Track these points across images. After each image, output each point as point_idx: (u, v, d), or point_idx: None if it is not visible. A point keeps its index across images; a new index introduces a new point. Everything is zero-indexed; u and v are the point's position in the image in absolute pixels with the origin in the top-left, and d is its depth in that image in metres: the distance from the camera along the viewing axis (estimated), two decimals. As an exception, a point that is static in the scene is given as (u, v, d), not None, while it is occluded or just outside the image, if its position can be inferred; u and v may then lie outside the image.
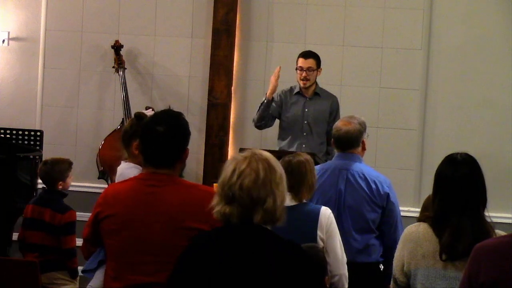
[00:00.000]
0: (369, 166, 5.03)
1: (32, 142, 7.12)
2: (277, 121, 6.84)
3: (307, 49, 6.84)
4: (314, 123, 6.70)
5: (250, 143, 7.25)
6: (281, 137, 6.80)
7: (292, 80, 6.78)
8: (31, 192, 6.53)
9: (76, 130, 7.69)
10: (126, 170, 4.33)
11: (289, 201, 4.28)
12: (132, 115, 4.56)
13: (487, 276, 2.74)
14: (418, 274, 3.46)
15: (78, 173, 6.14)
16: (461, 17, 7.21)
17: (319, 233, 4.25)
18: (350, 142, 4.91)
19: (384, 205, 4.86)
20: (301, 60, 6.66)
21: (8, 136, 7.11)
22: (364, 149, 4.99)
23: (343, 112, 6.50)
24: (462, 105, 7.20)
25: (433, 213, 3.50)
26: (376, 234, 4.88)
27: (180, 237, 3.22)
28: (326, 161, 6.10)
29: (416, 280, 3.46)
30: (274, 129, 6.91)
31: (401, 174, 7.14)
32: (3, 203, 6.43)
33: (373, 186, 4.85)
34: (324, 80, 6.91)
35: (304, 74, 6.63)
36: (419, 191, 7.15)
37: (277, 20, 7.44)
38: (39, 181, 6.10)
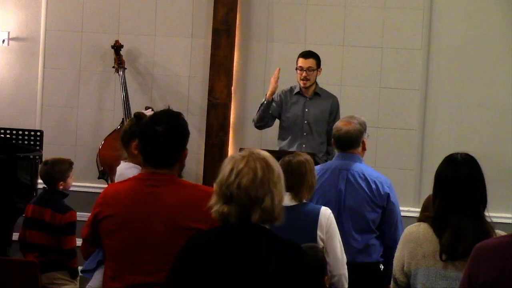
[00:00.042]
0: (369, 166, 5.03)
1: (32, 142, 7.12)
2: (277, 121, 6.84)
3: (307, 49, 6.84)
4: (314, 123, 6.70)
5: (250, 143, 7.25)
6: (281, 137, 6.80)
7: (292, 80, 6.78)
8: (31, 192, 6.53)
9: (76, 130, 7.69)
10: (126, 170, 4.33)
11: (289, 201, 4.29)
12: (132, 115, 4.56)
13: (487, 276, 2.74)
14: (418, 274, 3.46)
15: (78, 173, 6.14)
16: (461, 17, 7.21)
17: (319, 233, 4.25)
18: (350, 142, 4.91)
19: (384, 205, 4.86)
20: (301, 60, 6.66)
21: (8, 136, 7.11)
22: (364, 149, 4.99)
23: (343, 112, 6.50)
24: (462, 105, 7.20)
25: (433, 213, 3.50)
26: (376, 234, 4.88)
27: (179, 237, 3.22)
28: (326, 161, 6.10)
29: (416, 280, 3.46)
30: (274, 129, 6.91)
31: (401, 174, 7.14)
32: (3, 203, 6.43)
33: (373, 186, 4.85)
34: (324, 80, 6.91)
35: (304, 74, 6.63)
36: (419, 191, 7.15)
37: (277, 20, 7.44)
38: (40, 181, 6.10)
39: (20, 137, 7.13)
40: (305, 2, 7.38)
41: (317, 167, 4.82)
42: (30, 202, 5.92)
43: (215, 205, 2.89)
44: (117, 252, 3.44)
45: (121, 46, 7.42)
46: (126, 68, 7.40)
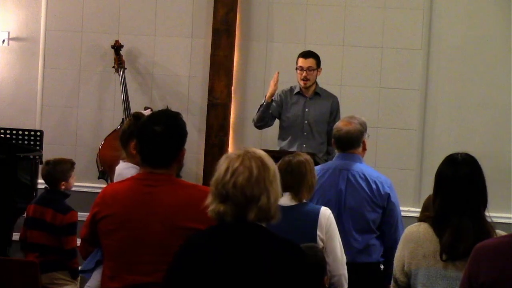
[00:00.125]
0: (369, 166, 5.03)
1: (32, 142, 7.12)
2: (277, 121, 6.84)
3: (307, 49, 6.84)
4: (315, 123, 6.70)
5: (250, 143, 7.25)
6: (281, 137, 6.81)
7: (292, 80, 6.78)
8: (31, 192, 6.53)
9: (76, 130, 7.69)
10: (124, 170, 4.33)
11: (288, 201, 4.29)
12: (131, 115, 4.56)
13: (487, 276, 2.75)
14: (418, 274, 3.46)
15: (78, 173, 6.14)
16: (461, 17, 7.21)
17: (318, 233, 4.25)
18: (351, 142, 4.91)
19: (384, 205, 4.86)
20: (301, 60, 6.66)
21: (8, 136, 7.11)
22: (364, 149, 4.99)
23: (343, 112, 6.50)
24: (462, 105, 7.20)
25: (433, 213, 3.50)
26: (377, 234, 4.88)
27: (177, 237, 3.21)
28: (326, 161, 6.10)
29: (416, 280, 3.46)
30: (274, 129, 6.91)
31: (401, 174, 7.14)
32: (3, 203, 6.43)
33: (374, 186, 4.85)
34: (324, 80, 6.91)
35: (304, 73, 6.63)
36: (419, 191, 7.15)
37: (277, 20, 7.44)
38: (41, 181, 6.10)
39: (20, 137, 7.13)
40: (305, 2, 7.38)
41: (317, 167, 4.82)
42: (31, 202, 5.93)
43: (211, 205, 2.89)
44: (116, 252, 3.44)
45: (121, 46, 7.42)
46: (126, 68, 7.40)
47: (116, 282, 3.42)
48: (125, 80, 7.32)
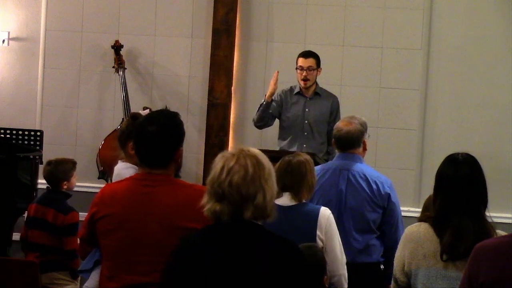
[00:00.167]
0: (369, 166, 5.03)
1: (32, 142, 7.12)
2: (277, 121, 6.84)
3: (307, 49, 6.84)
4: (315, 123, 6.70)
5: (250, 143, 7.24)
6: (281, 137, 6.81)
7: (292, 80, 6.78)
8: (31, 192, 6.53)
9: (76, 130, 7.69)
10: (123, 170, 4.34)
11: (288, 201, 4.30)
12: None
13: (487, 276, 2.74)
14: (419, 274, 3.46)
15: (78, 173, 6.14)
16: (461, 17, 7.21)
17: (318, 233, 4.25)
18: (351, 142, 4.92)
19: (385, 206, 4.86)
20: (301, 59, 6.66)
21: (8, 136, 7.11)
22: (365, 149, 4.99)
23: (343, 112, 6.51)
24: (462, 105, 7.20)
25: (434, 213, 3.50)
26: (377, 234, 4.88)
27: (175, 237, 3.20)
28: (327, 161, 6.11)
29: (417, 280, 3.46)
30: (274, 129, 6.91)
31: (401, 174, 7.14)
32: (3, 203, 6.43)
33: (374, 186, 4.85)
34: (324, 80, 6.91)
35: (304, 73, 6.63)
36: (419, 191, 7.14)
37: (277, 20, 7.44)
38: (41, 181, 6.11)
39: (20, 137, 7.12)
40: (305, 2, 7.38)
41: (317, 167, 4.82)
42: (32, 201, 5.94)
43: (207, 204, 2.89)
44: (114, 252, 3.44)
45: (121, 46, 7.41)
46: (126, 68, 7.40)
47: (114, 282, 3.42)
48: (125, 80, 7.32)
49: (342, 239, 4.37)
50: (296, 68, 6.68)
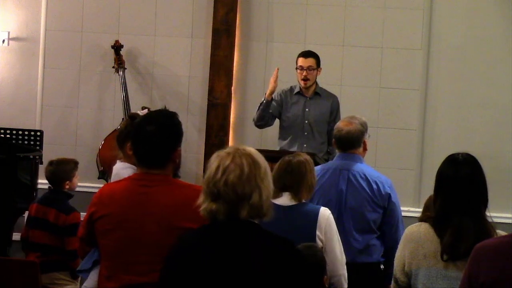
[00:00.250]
0: (370, 166, 5.03)
1: (32, 142, 7.12)
2: (277, 121, 6.83)
3: (307, 49, 6.84)
4: (315, 123, 6.70)
5: (250, 143, 7.24)
6: (282, 137, 6.80)
7: (292, 80, 6.78)
8: (31, 192, 6.53)
9: (76, 130, 7.69)
10: (121, 170, 4.34)
11: (288, 201, 4.29)
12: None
13: (487, 276, 2.75)
14: (419, 274, 3.46)
15: (78, 173, 6.14)
16: (461, 17, 7.21)
17: (318, 233, 4.25)
18: (351, 142, 4.91)
19: (385, 206, 4.86)
20: (301, 59, 6.66)
21: (8, 136, 7.11)
22: (365, 149, 4.99)
23: (343, 112, 6.50)
24: (462, 105, 7.20)
25: (434, 213, 3.50)
26: (377, 234, 4.88)
27: (174, 237, 3.19)
28: (327, 160, 6.11)
29: (417, 280, 3.46)
30: (274, 129, 6.91)
31: (401, 174, 7.14)
32: (3, 203, 6.43)
33: (374, 186, 4.85)
34: (324, 80, 6.91)
35: (304, 73, 6.63)
36: (419, 191, 7.15)
37: (277, 20, 7.44)
38: (42, 181, 6.10)
39: (20, 137, 7.12)
40: (305, 2, 7.38)
41: (317, 167, 4.82)
42: (34, 201, 5.94)
43: (203, 203, 2.88)
44: (113, 252, 3.45)
45: (121, 46, 7.42)
46: (126, 68, 7.40)
47: (112, 282, 3.43)
48: (125, 80, 7.32)
49: (342, 239, 4.37)
50: (296, 68, 6.68)
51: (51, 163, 5.87)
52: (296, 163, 4.37)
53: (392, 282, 3.59)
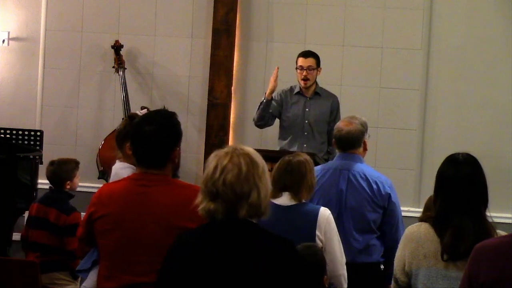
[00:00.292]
0: (370, 166, 5.03)
1: (32, 142, 7.12)
2: (277, 121, 6.83)
3: (307, 49, 6.84)
4: (315, 122, 6.70)
5: (250, 143, 7.24)
6: (282, 137, 6.80)
7: (292, 80, 6.78)
8: (31, 192, 6.53)
9: (76, 130, 7.69)
10: (121, 170, 4.34)
11: (288, 201, 4.29)
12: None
13: (487, 276, 2.75)
14: (419, 274, 3.46)
15: (78, 173, 6.15)
16: (461, 17, 7.21)
17: (317, 233, 4.25)
18: (352, 142, 4.91)
19: (385, 206, 4.86)
20: (301, 59, 6.66)
21: (8, 136, 7.11)
22: (365, 149, 4.99)
23: (343, 112, 6.51)
24: (462, 105, 7.20)
25: (435, 213, 3.50)
26: (377, 234, 4.88)
27: (173, 237, 3.21)
28: (327, 160, 6.11)
29: (417, 280, 3.46)
30: (274, 129, 6.91)
31: (401, 174, 7.14)
32: (3, 203, 6.43)
33: (375, 186, 4.85)
34: (324, 80, 6.91)
35: (304, 73, 6.63)
36: (419, 191, 7.14)
37: (277, 20, 7.44)
38: (42, 181, 6.10)
39: (20, 137, 7.13)
40: (305, 2, 7.38)
41: (317, 167, 4.82)
42: (34, 201, 5.94)
43: (201, 203, 2.89)
44: (112, 252, 3.45)
45: (121, 46, 7.42)
46: (126, 68, 7.40)
47: (112, 282, 3.43)
48: (125, 80, 7.32)
49: (342, 239, 4.37)
50: (296, 68, 6.68)
51: (52, 163, 5.87)
52: (296, 163, 4.37)
53: (392, 282, 3.59)
